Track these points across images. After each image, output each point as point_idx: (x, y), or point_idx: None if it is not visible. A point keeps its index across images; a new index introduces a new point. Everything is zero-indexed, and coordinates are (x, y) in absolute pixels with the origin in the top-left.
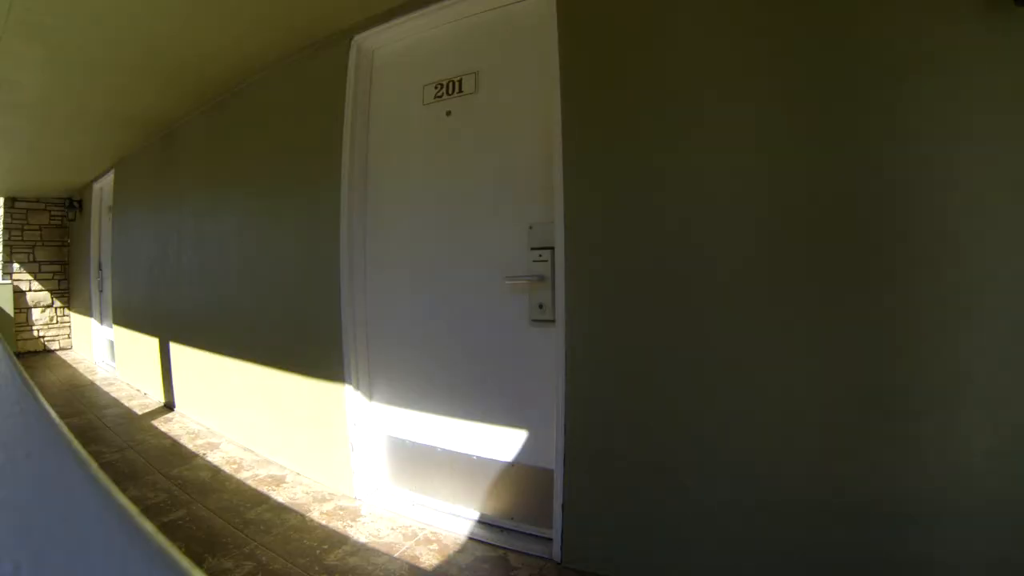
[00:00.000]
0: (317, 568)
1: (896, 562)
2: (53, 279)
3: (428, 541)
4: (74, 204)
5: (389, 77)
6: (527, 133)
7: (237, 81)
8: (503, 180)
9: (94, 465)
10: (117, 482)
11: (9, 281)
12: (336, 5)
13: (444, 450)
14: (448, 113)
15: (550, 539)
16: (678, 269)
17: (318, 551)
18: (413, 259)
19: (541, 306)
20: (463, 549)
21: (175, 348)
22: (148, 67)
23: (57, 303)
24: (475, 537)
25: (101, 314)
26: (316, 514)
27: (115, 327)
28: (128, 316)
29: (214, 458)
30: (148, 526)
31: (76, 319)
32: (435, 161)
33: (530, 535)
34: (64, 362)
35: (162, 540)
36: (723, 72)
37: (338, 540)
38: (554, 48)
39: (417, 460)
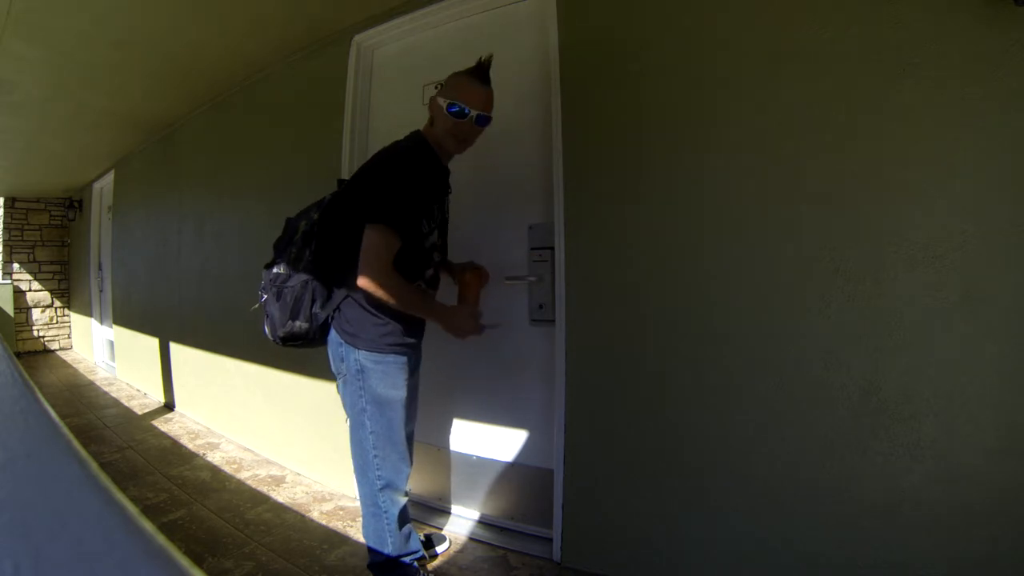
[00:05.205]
0: (317, 568)
1: (897, 562)
2: (53, 279)
3: None
4: (74, 204)
5: (389, 76)
6: (527, 133)
7: (237, 81)
8: (503, 180)
9: (94, 465)
10: (117, 482)
11: (9, 281)
12: (336, 5)
13: (444, 450)
14: None
15: (550, 539)
16: (679, 269)
17: (318, 551)
18: None
19: (541, 306)
20: (463, 549)
21: (175, 348)
22: (148, 67)
23: (57, 303)
24: (475, 537)
25: (101, 314)
26: (316, 514)
27: (115, 327)
28: (128, 316)
29: (214, 458)
30: (148, 526)
31: (76, 319)
32: None
33: (530, 535)
34: (64, 362)
35: (162, 540)
36: (726, 72)
37: (338, 540)
38: (554, 48)
39: (416, 460)
